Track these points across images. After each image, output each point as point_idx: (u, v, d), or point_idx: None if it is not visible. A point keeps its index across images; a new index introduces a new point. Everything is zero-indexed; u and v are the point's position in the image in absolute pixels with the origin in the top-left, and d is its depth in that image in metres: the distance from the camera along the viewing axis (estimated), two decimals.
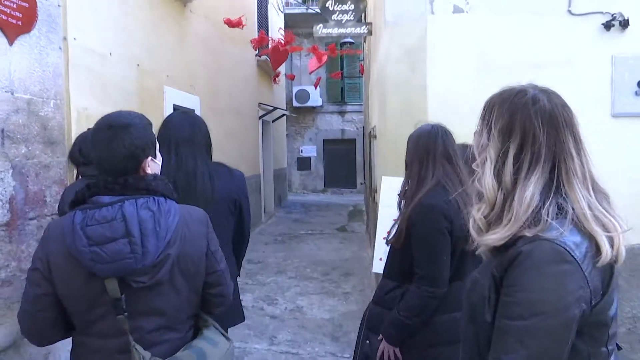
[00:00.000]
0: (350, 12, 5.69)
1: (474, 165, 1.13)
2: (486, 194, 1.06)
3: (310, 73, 9.77)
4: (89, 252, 1.28)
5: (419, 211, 1.88)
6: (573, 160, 1.02)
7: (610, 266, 0.99)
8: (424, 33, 3.70)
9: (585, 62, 3.40)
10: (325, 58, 8.48)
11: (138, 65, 4.44)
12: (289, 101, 14.65)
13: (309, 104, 14.99)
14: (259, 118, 9.77)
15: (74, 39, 3.41)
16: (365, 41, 9.30)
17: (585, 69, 3.39)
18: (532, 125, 1.02)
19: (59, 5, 3.21)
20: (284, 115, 11.89)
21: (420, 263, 1.86)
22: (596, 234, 0.96)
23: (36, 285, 1.36)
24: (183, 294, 1.43)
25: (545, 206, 0.98)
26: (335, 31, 5.83)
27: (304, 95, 14.77)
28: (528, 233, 0.97)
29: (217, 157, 2.35)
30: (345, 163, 16.49)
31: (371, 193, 7.14)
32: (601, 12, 3.42)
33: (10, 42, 2.75)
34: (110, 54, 3.95)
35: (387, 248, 2.14)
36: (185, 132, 2.15)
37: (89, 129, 2.67)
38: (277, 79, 11.28)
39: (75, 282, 1.33)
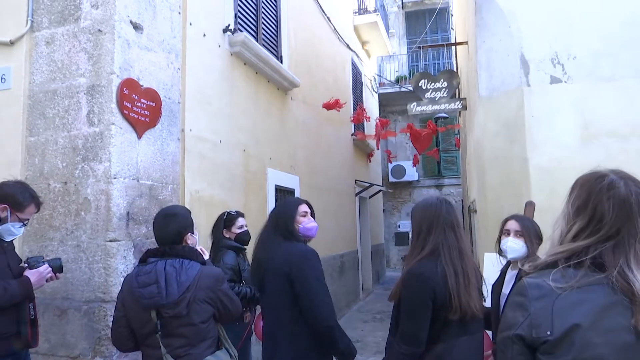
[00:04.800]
0: (444, 89, 5.77)
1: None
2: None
3: (420, 154, 9.76)
4: (138, 292, 2.09)
5: (407, 277, 2.08)
6: None
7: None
8: (521, 105, 3.64)
9: None
10: (428, 138, 8.27)
11: (244, 150, 4.81)
12: (385, 177, 14.75)
13: (405, 178, 14.95)
14: (356, 195, 9.91)
15: (190, 130, 3.81)
16: (460, 115, 9.28)
17: None
18: (602, 208, 1.13)
19: (178, 102, 3.64)
20: (380, 191, 11.95)
21: (401, 323, 2.08)
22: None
23: (117, 310, 2.20)
24: (197, 323, 2.11)
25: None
26: (429, 108, 5.92)
27: (400, 171, 14.80)
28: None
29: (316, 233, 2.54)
30: None
31: None
32: None
33: (139, 137, 3.15)
34: (220, 141, 4.34)
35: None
36: (271, 213, 2.69)
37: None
38: (371, 157, 11.49)
39: (134, 309, 2.12)
